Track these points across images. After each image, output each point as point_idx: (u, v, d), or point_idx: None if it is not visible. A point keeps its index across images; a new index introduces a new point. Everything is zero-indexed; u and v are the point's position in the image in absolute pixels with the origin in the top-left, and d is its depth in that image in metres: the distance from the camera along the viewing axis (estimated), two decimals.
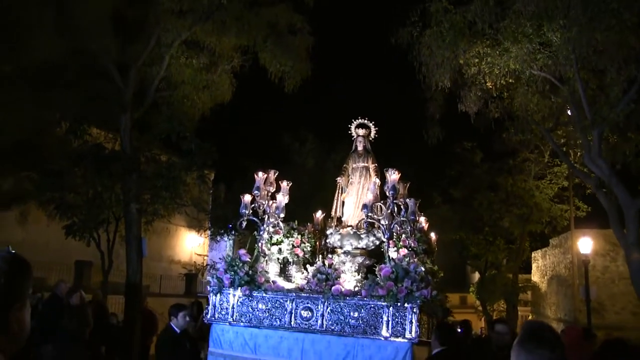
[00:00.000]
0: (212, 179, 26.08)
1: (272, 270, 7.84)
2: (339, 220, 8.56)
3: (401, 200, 7.49)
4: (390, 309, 6.31)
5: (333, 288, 6.60)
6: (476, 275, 35.97)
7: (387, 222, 7.13)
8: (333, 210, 8.83)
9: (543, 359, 2.47)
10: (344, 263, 7.76)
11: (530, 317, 35.62)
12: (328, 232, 8.38)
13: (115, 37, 13.55)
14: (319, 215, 9.01)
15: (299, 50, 16.14)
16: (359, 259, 7.86)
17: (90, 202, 15.27)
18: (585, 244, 21.68)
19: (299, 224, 8.44)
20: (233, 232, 18.55)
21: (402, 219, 7.36)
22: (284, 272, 8.04)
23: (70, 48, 12.94)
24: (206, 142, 17.30)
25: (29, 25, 12.19)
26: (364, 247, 8.06)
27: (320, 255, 8.11)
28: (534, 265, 36.16)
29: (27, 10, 12.10)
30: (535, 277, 35.98)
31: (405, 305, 6.24)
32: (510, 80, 13.58)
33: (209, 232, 21.03)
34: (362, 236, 8.03)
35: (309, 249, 8.26)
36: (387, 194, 7.39)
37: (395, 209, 7.33)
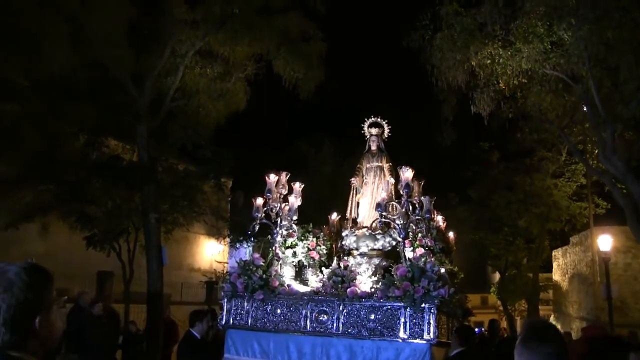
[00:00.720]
0: (230, 187, 26.33)
1: (287, 273, 7.77)
2: (354, 221, 8.43)
3: (416, 198, 7.34)
4: (408, 310, 6.21)
5: (348, 290, 6.50)
6: (497, 276, 35.79)
7: (402, 222, 7.01)
8: (348, 211, 8.73)
9: (546, 357, 2.48)
10: (360, 265, 7.65)
11: (551, 316, 35.39)
12: (343, 233, 8.28)
13: (129, 48, 13.77)
14: (334, 217, 8.95)
15: (312, 56, 16.23)
16: (375, 261, 7.75)
17: (109, 213, 15.51)
18: (605, 241, 21.56)
19: (314, 226, 8.39)
20: (252, 239, 18.69)
21: (417, 217, 7.20)
22: (299, 275, 7.96)
23: (85, 61, 13.19)
24: (222, 150, 17.53)
25: (44, 39, 12.42)
26: (380, 248, 7.95)
27: (336, 258, 8.02)
28: (554, 264, 35.92)
29: (42, 25, 12.31)
30: (556, 275, 35.74)
31: (423, 305, 6.13)
32: (523, 80, 13.55)
33: (228, 239, 21.23)
34: (378, 237, 7.91)
35: (324, 251, 8.21)
36: (401, 192, 7.25)
37: (410, 207, 7.19)
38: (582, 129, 16.07)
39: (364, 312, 6.42)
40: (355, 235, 8.05)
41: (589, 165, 16.27)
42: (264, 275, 7.04)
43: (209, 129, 16.59)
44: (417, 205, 7.21)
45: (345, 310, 6.51)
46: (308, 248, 8.02)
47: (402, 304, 6.21)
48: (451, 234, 9.11)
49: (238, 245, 20.76)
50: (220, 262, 30.67)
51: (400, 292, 6.18)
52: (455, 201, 29.65)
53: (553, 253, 34.99)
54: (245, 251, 22.92)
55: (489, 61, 12.66)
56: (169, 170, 16.47)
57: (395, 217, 7.25)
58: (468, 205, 29.56)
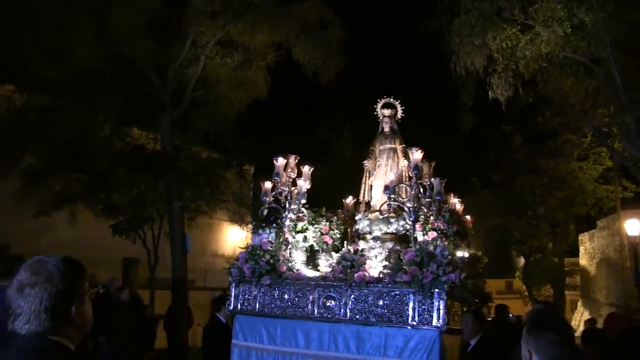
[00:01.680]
0: (252, 174, 26.59)
1: (298, 258, 7.52)
2: (368, 205, 8.15)
3: (426, 180, 7.02)
4: (416, 295, 5.94)
5: (355, 275, 6.23)
6: (522, 260, 35.58)
7: (412, 205, 6.73)
8: (361, 195, 8.42)
9: (550, 344, 2.56)
10: (373, 249, 7.42)
11: (579, 302, 35.09)
12: (357, 217, 8.01)
13: (152, 40, 14.00)
14: (349, 200, 8.66)
15: (331, 43, 16.33)
16: (389, 245, 7.44)
17: (134, 200, 15.84)
18: (633, 225, 21.23)
19: (328, 210, 8.16)
20: (274, 225, 18.88)
21: (427, 199, 6.92)
22: (312, 260, 7.74)
23: (111, 53, 13.45)
24: (244, 137, 17.74)
25: (71, 35, 12.69)
26: (394, 232, 7.62)
27: (345, 242, 7.78)
28: (581, 249, 35.47)
29: (70, 21, 12.57)
30: (583, 260, 35.29)
31: (432, 291, 5.85)
32: (543, 64, 13.48)
33: (250, 225, 21.46)
34: (392, 221, 7.61)
35: (338, 236, 7.94)
36: (410, 174, 7.01)
37: (421, 190, 6.92)
38: (608, 111, 15.93)
39: (371, 297, 6.20)
40: (368, 219, 7.81)
41: (612, 149, 16.14)
42: (271, 260, 6.82)
43: (231, 117, 16.77)
44: (427, 187, 6.95)
45: (352, 296, 6.30)
46: (321, 232, 7.79)
47: (411, 290, 5.95)
48: (468, 217, 8.74)
49: (260, 231, 20.99)
50: (243, 248, 30.94)
51: (408, 277, 5.91)
52: (478, 186, 29.53)
53: (579, 237, 34.53)
54: (267, 237, 23.21)
55: (507, 45, 12.60)
56: (192, 158, 16.73)
57: (405, 199, 7.04)
58: (491, 189, 29.39)
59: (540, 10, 12.13)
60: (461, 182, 28.87)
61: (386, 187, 7.03)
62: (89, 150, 14.81)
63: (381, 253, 7.32)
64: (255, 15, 15.01)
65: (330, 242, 7.79)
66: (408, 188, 7.17)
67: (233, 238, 31.07)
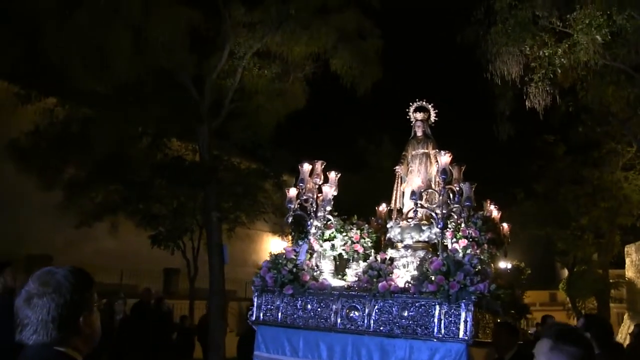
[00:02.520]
0: (293, 184, 26.73)
1: (326, 268, 7.31)
2: (400, 212, 7.82)
3: (456, 185, 6.73)
4: (442, 306, 5.69)
5: (380, 285, 6.03)
6: (566, 272, 34.82)
7: (441, 211, 6.49)
8: (392, 201, 8.13)
9: (570, 358, 2.57)
10: (404, 258, 7.15)
11: (625, 315, 34.14)
12: (388, 225, 7.69)
13: (190, 53, 14.22)
14: (382, 208, 8.43)
15: (369, 53, 16.32)
16: (420, 253, 7.13)
17: (174, 211, 16.07)
18: None
19: (359, 218, 7.95)
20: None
21: (455, 205, 6.62)
22: (342, 270, 7.50)
23: (148, 66, 13.71)
24: (282, 148, 17.85)
25: (110, 49, 13.00)
26: (426, 240, 7.33)
27: (373, 250, 7.58)
28: (627, 260, 34.51)
29: (109, 35, 12.87)
30: (629, 272, 34.32)
31: (459, 302, 5.59)
32: (582, 73, 13.24)
33: (290, 236, 21.54)
34: (424, 228, 7.32)
35: (369, 244, 7.71)
36: (438, 178, 6.82)
37: (451, 195, 6.67)
38: None
39: (396, 308, 5.96)
40: (400, 226, 7.49)
41: None
42: (294, 269, 6.66)
43: (269, 128, 16.88)
44: (456, 193, 6.66)
45: (376, 307, 6.07)
46: (352, 241, 7.56)
47: (437, 300, 5.71)
48: (505, 225, 8.32)
49: (300, 242, 21.05)
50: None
51: (434, 287, 5.68)
52: (521, 196, 29.05)
53: (625, 249, 33.59)
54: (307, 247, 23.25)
55: (545, 54, 12.42)
56: (230, 169, 16.90)
57: (434, 206, 6.78)
58: (534, 200, 28.89)
59: (579, 18, 11.94)
60: (504, 193, 28.52)
61: (412, 193, 6.81)
62: (128, 161, 15.10)
63: (413, 262, 7.01)
64: (293, 26, 15.12)
65: (361, 250, 7.56)
66: (436, 193, 6.89)
67: (274, 249, 31.16)
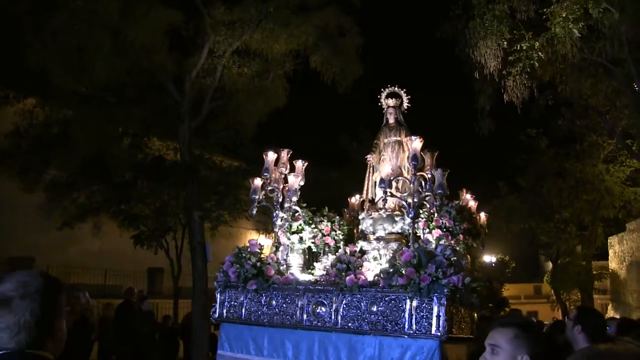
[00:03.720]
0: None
1: (295, 262, 6.97)
2: (372, 202, 7.48)
3: (428, 172, 6.39)
4: (413, 300, 5.33)
5: (347, 278, 5.67)
6: (550, 264, 35.15)
7: (413, 200, 6.11)
8: (364, 192, 7.77)
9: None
10: (376, 250, 6.78)
11: (609, 306, 34.47)
12: (360, 216, 7.39)
13: (170, 52, 14.18)
14: (355, 199, 8.03)
15: (349, 51, 16.33)
16: (393, 246, 6.73)
17: (157, 211, 16.03)
18: None
19: (330, 210, 7.62)
20: None
21: (427, 193, 6.25)
22: (311, 263, 7.14)
23: (128, 67, 13.65)
24: (265, 146, 17.80)
25: (90, 49, 12.92)
26: (399, 231, 6.96)
27: (342, 243, 7.24)
28: (610, 252, 34.86)
29: (88, 36, 12.79)
30: (612, 263, 34.69)
31: (431, 295, 5.24)
32: (561, 66, 13.36)
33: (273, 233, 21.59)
34: (397, 219, 6.97)
35: (341, 237, 7.33)
36: (408, 164, 6.43)
37: (423, 183, 6.32)
38: (629, 113, 15.68)
39: (364, 303, 5.62)
40: (372, 217, 7.14)
41: (632, 151, 15.88)
42: (258, 264, 6.31)
43: (250, 126, 16.84)
44: (428, 180, 6.32)
45: (344, 302, 5.73)
46: (322, 233, 7.19)
47: (407, 294, 5.35)
48: (483, 215, 7.95)
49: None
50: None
51: (404, 281, 5.31)
52: (505, 190, 29.25)
53: (608, 240, 33.93)
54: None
55: (522, 48, 12.51)
56: (212, 168, 16.88)
57: (404, 194, 6.46)
58: (518, 193, 29.09)
59: (556, 11, 12.01)
60: (488, 187, 28.72)
61: (381, 181, 6.46)
62: (110, 162, 15.03)
63: (385, 255, 6.66)
64: (272, 24, 15.11)
65: (332, 243, 7.21)
66: (407, 181, 6.57)
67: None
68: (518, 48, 12.58)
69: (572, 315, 4.57)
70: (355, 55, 16.45)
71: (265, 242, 29.75)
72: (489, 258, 33.02)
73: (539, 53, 12.50)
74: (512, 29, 12.53)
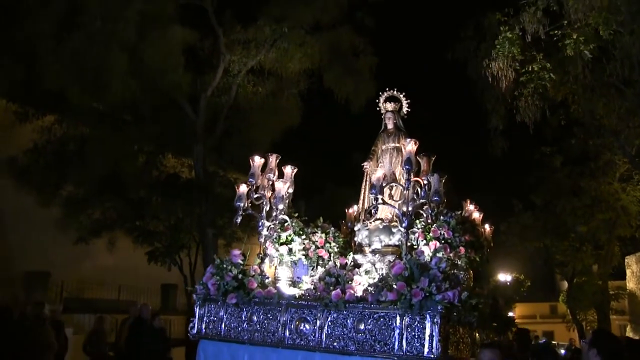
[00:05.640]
0: (291, 199, 26.85)
1: (284, 275, 6.52)
2: (369, 213, 6.90)
3: (424, 178, 5.90)
4: (404, 318, 4.83)
5: (333, 293, 5.22)
6: (566, 283, 34.77)
7: (407, 208, 5.64)
8: (360, 201, 7.29)
9: None
10: (372, 263, 6.36)
11: (628, 327, 33.96)
12: (355, 228, 6.90)
13: (185, 72, 14.42)
14: (353, 210, 7.49)
15: (363, 70, 16.49)
16: (390, 258, 6.23)
17: (172, 228, 16.18)
18: None
19: (325, 221, 7.07)
20: None
21: (421, 201, 5.79)
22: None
23: (144, 86, 13.90)
24: (279, 164, 17.93)
25: (107, 69, 13.18)
26: (397, 244, 6.41)
27: (332, 256, 6.75)
28: (628, 271, 34.40)
29: (105, 56, 13.05)
30: (630, 283, 34.20)
31: (424, 313, 4.75)
32: (573, 87, 13.41)
33: None
34: (394, 231, 6.45)
35: (335, 249, 6.78)
36: (402, 169, 5.98)
37: (419, 190, 5.86)
38: None
39: (351, 320, 5.14)
40: (368, 229, 6.69)
41: None
42: (240, 275, 5.90)
43: (265, 144, 17.00)
44: (424, 187, 5.84)
45: (329, 319, 5.26)
46: (316, 245, 6.66)
47: (398, 311, 4.87)
48: (487, 227, 7.34)
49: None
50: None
51: (393, 296, 4.84)
52: (519, 208, 29.07)
53: (626, 260, 33.50)
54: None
55: (534, 69, 12.58)
56: (226, 185, 17.03)
57: (399, 201, 5.98)
58: (532, 211, 28.90)
59: (567, 33, 12.09)
60: (503, 205, 28.59)
61: (372, 186, 5.89)
62: (125, 178, 15.24)
63: (382, 268, 6.16)
64: (287, 43, 15.33)
65: (327, 256, 6.66)
66: (401, 187, 6.06)
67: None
68: (529, 69, 12.64)
69: (588, 338, 4.40)
70: (369, 74, 16.60)
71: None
72: (504, 276, 32.79)
73: (551, 74, 12.55)
74: (523, 50, 12.59)
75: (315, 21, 15.41)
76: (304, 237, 6.68)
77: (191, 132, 15.45)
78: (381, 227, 6.61)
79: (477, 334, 6.12)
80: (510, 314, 24.94)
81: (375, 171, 6.66)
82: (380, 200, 5.84)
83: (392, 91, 7.59)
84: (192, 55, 14.88)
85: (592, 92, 13.53)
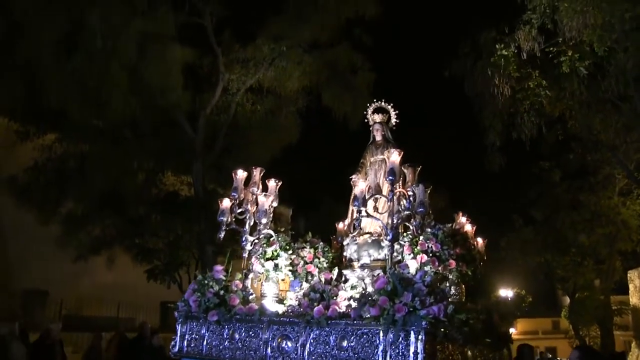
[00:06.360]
0: (290, 215, 26.90)
1: (270, 291, 6.36)
2: (353, 227, 6.69)
3: (409, 190, 5.78)
4: (388, 334, 4.68)
5: (315, 310, 5.14)
6: (567, 299, 34.60)
7: (392, 221, 5.50)
8: (348, 216, 7.06)
9: None
10: (360, 279, 6.20)
11: (633, 343, 33.68)
12: (344, 242, 6.77)
13: (184, 90, 14.52)
14: (343, 225, 7.29)
15: (361, 87, 16.56)
16: (379, 273, 5.93)
17: (171, 245, 16.21)
18: None
19: (314, 236, 6.91)
20: None
21: (406, 212, 5.64)
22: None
23: (144, 104, 14.01)
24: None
25: (107, 87, 13.29)
26: (386, 258, 6.13)
27: (317, 271, 6.52)
28: (630, 286, 33.96)
29: (105, 76, 13.17)
30: (634, 298, 33.75)
31: (408, 329, 4.58)
32: (570, 102, 13.50)
33: None
34: (383, 245, 6.31)
35: (325, 265, 6.58)
36: (385, 180, 5.87)
37: (404, 201, 5.72)
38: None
39: (334, 338, 5.03)
40: (357, 243, 6.57)
41: None
42: (222, 292, 5.85)
43: (263, 161, 17.06)
44: (409, 198, 5.72)
45: (312, 336, 5.17)
46: (304, 261, 6.53)
47: (381, 327, 4.73)
48: (480, 240, 7.10)
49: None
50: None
51: (376, 311, 4.71)
52: (519, 223, 29.06)
53: (628, 274, 33.27)
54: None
55: (529, 86, 12.69)
56: None
57: (383, 213, 5.90)
58: (532, 226, 28.87)
59: (562, 50, 12.21)
60: (503, 220, 28.60)
61: (354, 198, 5.75)
62: (125, 196, 15.30)
63: (369, 284, 5.87)
64: (285, 62, 15.44)
65: (315, 272, 6.46)
66: (385, 199, 5.89)
67: None
68: (525, 86, 12.75)
69: (573, 356, 4.29)
70: (367, 91, 16.67)
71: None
72: (505, 292, 32.68)
73: (547, 91, 12.65)
74: (519, 68, 12.70)
75: (313, 39, 15.52)
76: (290, 252, 6.53)
77: (190, 150, 15.52)
78: (370, 241, 6.50)
79: (468, 351, 5.80)
80: (512, 329, 24.79)
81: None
82: (364, 213, 5.69)
83: (380, 102, 7.43)
84: (191, 73, 14.98)
85: (588, 107, 13.62)
